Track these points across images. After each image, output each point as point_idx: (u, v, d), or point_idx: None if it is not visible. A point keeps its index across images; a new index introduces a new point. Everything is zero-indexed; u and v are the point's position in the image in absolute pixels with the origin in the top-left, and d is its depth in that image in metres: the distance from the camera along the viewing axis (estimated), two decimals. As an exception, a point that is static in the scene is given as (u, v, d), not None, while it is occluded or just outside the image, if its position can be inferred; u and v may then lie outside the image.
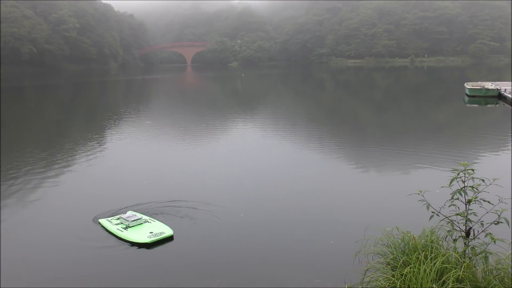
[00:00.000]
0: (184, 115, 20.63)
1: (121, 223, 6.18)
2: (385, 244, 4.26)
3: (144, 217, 6.39)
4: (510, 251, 3.65)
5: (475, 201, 3.85)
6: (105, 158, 11.28)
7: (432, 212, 3.97)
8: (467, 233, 3.95)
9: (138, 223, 6.16)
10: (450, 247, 3.95)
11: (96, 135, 14.96)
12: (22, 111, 23.22)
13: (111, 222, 6.25)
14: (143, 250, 5.65)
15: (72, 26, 79.83)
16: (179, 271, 5.07)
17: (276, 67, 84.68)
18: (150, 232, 5.91)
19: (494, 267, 3.65)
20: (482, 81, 27.60)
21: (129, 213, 6.47)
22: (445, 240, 4.06)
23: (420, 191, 4.12)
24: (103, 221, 6.36)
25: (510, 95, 20.60)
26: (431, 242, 3.94)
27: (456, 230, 3.97)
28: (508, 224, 3.65)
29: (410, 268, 3.62)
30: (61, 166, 10.18)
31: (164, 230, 6.00)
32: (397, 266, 3.84)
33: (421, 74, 54.66)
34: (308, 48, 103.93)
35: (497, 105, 21.24)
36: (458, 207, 3.92)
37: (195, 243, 5.85)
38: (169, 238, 5.90)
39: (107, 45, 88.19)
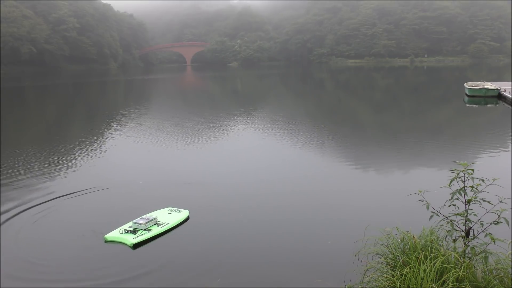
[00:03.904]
0: (184, 115, 20.63)
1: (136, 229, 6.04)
2: (384, 244, 4.26)
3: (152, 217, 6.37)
4: (510, 251, 3.65)
5: (475, 201, 3.85)
6: (105, 157, 11.28)
7: (432, 212, 3.97)
8: (467, 233, 3.95)
9: (153, 223, 6.19)
10: (450, 247, 3.95)
11: (96, 135, 14.96)
12: (22, 111, 23.21)
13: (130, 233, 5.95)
14: (141, 250, 5.64)
15: (72, 26, 79.91)
16: (179, 271, 5.06)
17: (276, 67, 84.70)
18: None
19: (494, 267, 3.65)
20: (482, 81, 27.61)
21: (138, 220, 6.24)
22: (445, 240, 4.06)
23: (420, 191, 4.12)
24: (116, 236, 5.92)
25: (510, 95, 20.60)
26: (431, 242, 3.94)
27: (456, 230, 3.97)
28: (508, 224, 3.65)
29: (409, 268, 3.62)
30: (62, 165, 10.18)
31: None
32: (396, 266, 3.84)
33: (421, 74, 54.68)
34: (308, 48, 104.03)
35: (497, 105, 21.24)
36: (458, 207, 3.92)
37: (194, 243, 5.86)
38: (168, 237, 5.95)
39: (107, 45, 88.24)
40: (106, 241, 5.81)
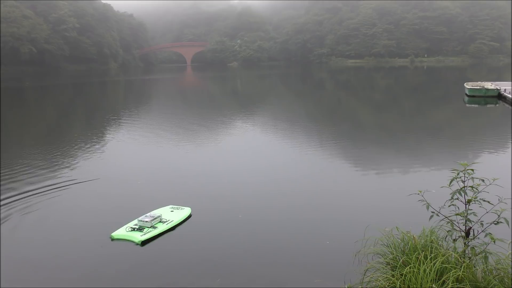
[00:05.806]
0: (185, 115, 20.63)
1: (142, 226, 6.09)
2: (384, 244, 4.26)
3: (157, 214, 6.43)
4: (510, 251, 3.65)
5: (475, 201, 3.85)
6: (106, 157, 11.28)
7: (432, 212, 3.97)
8: (467, 233, 3.95)
9: (158, 221, 6.26)
10: (450, 247, 3.95)
11: (97, 135, 14.95)
12: (22, 111, 23.20)
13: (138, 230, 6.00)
14: (142, 249, 5.65)
15: (72, 26, 79.81)
16: (179, 271, 5.06)
17: (276, 67, 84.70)
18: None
19: (494, 267, 3.65)
20: (482, 81, 27.61)
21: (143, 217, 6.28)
22: (445, 240, 4.06)
23: (420, 191, 4.12)
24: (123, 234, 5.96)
25: (510, 95, 20.60)
26: (431, 242, 3.94)
27: (456, 230, 3.97)
28: (508, 224, 3.64)
29: (410, 268, 3.62)
30: (62, 165, 10.17)
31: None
32: (397, 266, 3.84)
33: (421, 74, 54.68)
34: (308, 48, 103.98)
35: (497, 105, 21.24)
36: (458, 207, 3.92)
37: (194, 243, 5.86)
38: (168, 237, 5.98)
39: (107, 45, 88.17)
40: (113, 239, 5.86)
